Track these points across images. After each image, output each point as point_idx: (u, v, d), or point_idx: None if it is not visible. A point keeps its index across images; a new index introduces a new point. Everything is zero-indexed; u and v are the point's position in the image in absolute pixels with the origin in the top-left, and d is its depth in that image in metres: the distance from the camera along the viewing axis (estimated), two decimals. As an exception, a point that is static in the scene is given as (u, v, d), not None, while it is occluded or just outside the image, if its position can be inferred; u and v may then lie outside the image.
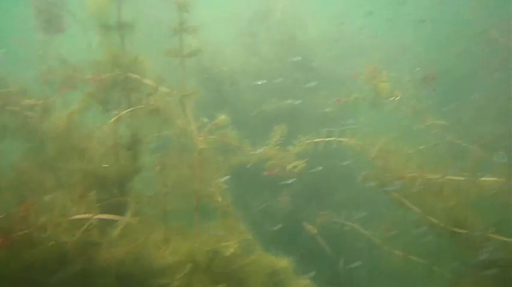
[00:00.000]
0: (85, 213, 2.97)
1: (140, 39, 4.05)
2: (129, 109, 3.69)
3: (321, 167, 5.15)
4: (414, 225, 4.38)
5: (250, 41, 7.85)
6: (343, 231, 5.00)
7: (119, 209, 3.61)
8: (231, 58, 7.50)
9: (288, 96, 7.02)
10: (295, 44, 7.31)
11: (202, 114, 4.47)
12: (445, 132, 4.55)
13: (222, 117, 3.75)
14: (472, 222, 3.98)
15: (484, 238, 3.88)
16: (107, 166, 3.66)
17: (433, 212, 4.19)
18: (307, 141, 4.64)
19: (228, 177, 4.01)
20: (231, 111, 7.19)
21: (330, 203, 6.18)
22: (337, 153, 4.89)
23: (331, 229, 5.13)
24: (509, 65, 6.14)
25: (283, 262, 4.08)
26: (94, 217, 2.93)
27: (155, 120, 3.83)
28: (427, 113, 4.54)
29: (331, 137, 4.62)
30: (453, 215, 4.08)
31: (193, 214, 3.71)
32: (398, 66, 6.03)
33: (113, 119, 3.55)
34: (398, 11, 8.07)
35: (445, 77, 5.92)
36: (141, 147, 3.96)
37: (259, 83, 6.24)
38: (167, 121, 3.87)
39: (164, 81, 3.90)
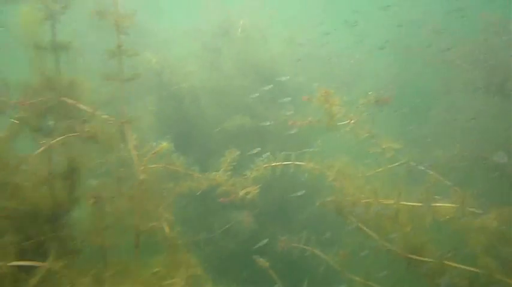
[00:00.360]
0: (-1, 259, 2.62)
1: (79, 61, 3.76)
2: (62, 137, 3.37)
3: (300, 193, 5.03)
4: (372, 251, 4.28)
5: (213, 56, 7.67)
6: (304, 256, 4.83)
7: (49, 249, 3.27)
8: (192, 74, 7.28)
9: (249, 114, 6.86)
10: (257, 61, 7.19)
11: (159, 133, 4.15)
12: (401, 155, 4.49)
13: (164, 145, 3.50)
14: (428, 249, 3.90)
15: (439, 265, 3.81)
16: (37, 200, 3.31)
17: (390, 238, 4.10)
18: (265, 166, 4.47)
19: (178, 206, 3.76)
20: (192, 129, 7.03)
21: (290, 226, 6.00)
22: (296, 177, 4.76)
23: (291, 252, 4.95)
24: (468, 88, 6.24)
25: (235, 296, 3.84)
26: (7, 265, 2.58)
27: (93, 148, 3.52)
28: (383, 136, 4.47)
29: (288, 160, 4.48)
30: (409, 242, 4.00)
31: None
32: (357, 89, 6.01)
33: (41, 149, 3.22)
34: (359, 32, 8.16)
35: (407, 99, 5.97)
36: (79, 177, 3.63)
37: (251, 97, 6.08)
38: (106, 149, 3.57)
39: (104, 106, 3.61)
